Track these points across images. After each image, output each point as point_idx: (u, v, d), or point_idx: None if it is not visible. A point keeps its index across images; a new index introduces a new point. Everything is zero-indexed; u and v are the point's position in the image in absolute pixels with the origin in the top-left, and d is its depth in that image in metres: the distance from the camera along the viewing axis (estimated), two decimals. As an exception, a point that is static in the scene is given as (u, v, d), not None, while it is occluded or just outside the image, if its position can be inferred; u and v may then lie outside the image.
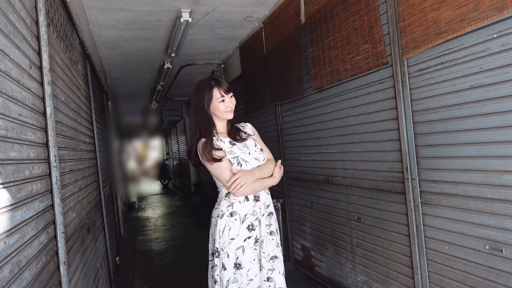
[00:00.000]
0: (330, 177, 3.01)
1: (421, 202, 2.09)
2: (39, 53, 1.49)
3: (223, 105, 1.87)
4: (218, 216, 1.86)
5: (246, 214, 1.85)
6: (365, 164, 2.55)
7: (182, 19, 3.45)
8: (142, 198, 11.33)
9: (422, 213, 2.09)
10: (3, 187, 1.03)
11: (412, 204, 2.14)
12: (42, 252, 1.31)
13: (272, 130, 3.93)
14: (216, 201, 1.95)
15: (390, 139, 2.27)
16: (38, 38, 1.49)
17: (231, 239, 1.82)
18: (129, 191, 10.05)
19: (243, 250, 1.83)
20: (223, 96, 1.86)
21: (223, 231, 1.83)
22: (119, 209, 5.90)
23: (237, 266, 1.82)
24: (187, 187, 10.87)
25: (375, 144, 2.43)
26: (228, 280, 1.81)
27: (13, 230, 1.07)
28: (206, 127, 1.87)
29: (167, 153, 15.84)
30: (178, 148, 12.21)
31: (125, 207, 8.24)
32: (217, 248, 1.84)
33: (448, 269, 1.96)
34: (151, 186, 14.97)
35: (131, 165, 15.47)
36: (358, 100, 2.55)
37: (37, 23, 1.50)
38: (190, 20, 3.48)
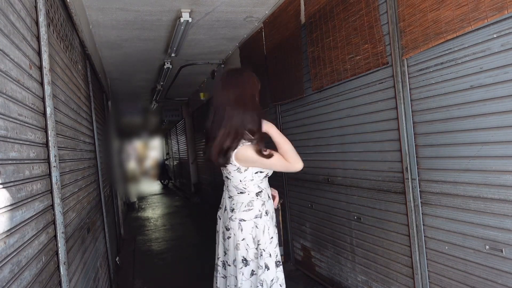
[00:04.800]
0: (330, 177, 3.01)
1: (421, 202, 2.09)
2: (39, 53, 1.48)
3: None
4: (256, 217, 1.79)
5: (272, 211, 1.88)
6: (365, 164, 2.55)
7: (182, 19, 3.45)
8: (142, 198, 11.33)
9: (422, 213, 2.09)
10: (3, 187, 1.03)
11: (412, 204, 2.14)
12: (42, 252, 1.31)
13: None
14: (238, 203, 1.82)
15: (390, 139, 2.27)
16: (38, 38, 1.49)
17: (271, 238, 1.81)
18: (129, 191, 10.05)
19: (278, 247, 1.85)
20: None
21: (263, 231, 1.80)
22: (119, 209, 5.90)
23: (277, 264, 1.82)
24: (187, 187, 10.87)
25: (375, 144, 2.43)
26: (272, 280, 1.80)
27: (13, 230, 1.07)
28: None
29: (167, 153, 15.84)
30: (178, 148, 12.20)
31: (125, 207, 8.24)
32: (262, 249, 1.79)
33: (448, 269, 1.96)
34: (151, 186, 14.97)
35: (131, 165, 15.46)
36: (358, 100, 2.55)
37: (37, 23, 1.50)
38: (190, 20, 3.48)
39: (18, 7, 1.28)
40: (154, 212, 8.40)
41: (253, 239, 1.79)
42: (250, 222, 1.79)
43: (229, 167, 1.78)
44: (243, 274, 1.78)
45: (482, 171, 1.72)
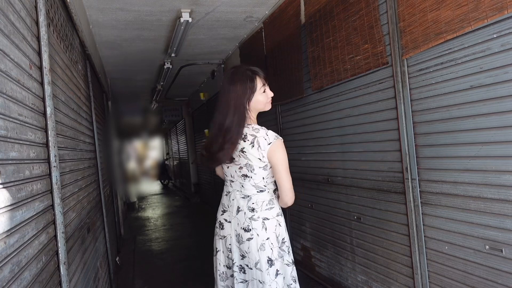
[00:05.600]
0: (330, 177, 3.01)
1: (421, 202, 2.09)
2: (39, 53, 1.48)
3: (264, 96, 1.79)
4: (278, 215, 1.80)
5: None
6: (365, 164, 2.55)
7: (182, 19, 3.45)
8: (142, 198, 11.33)
9: (422, 213, 2.09)
10: (3, 187, 1.03)
11: (412, 204, 2.14)
12: (42, 252, 1.31)
13: (272, 130, 3.92)
14: (259, 202, 1.78)
15: (390, 139, 2.27)
16: (38, 38, 1.49)
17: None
18: (129, 191, 10.05)
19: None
20: (264, 84, 1.78)
21: (285, 229, 1.83)
22: (119, 209, 5.90)
23: (293, 261, 1.85)
24: (187, 187, 10.87)
25: (375, 144, 2.43)
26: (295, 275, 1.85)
27: (13, 230, 1.07)
28: (242, 121, 1.73)
29: (167, 153, 15.84)
30: (178, 148, 12.20)
31: (125, 207, 8.24)
32: (288, 246, 1.81)
33: (448, 269, 1.96)
34: (151, 186, 14.97)
35: (131, 165, 15.47)
36: (358, 100, 2.55)
37: (37, 23, 1.50)
38: (190, 20, 3.48)
39: (18, 7, 1.28)
40: (154, 212, 8.40)
41: (277, 237, 1.77)
42: (273, 220, 1.77)
43: (255, 164, 1.73)
44: (269, 275, 1.73)
45: (482, 171, 1.72)
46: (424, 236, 2.09)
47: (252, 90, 1.74)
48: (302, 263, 3.68)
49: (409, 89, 2.09)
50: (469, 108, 1.75)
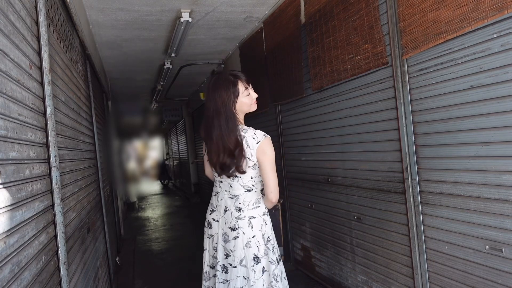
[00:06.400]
0: (330, 177, 3.01)
1: (421, 202, 2.09)
2: (39, 53, 1.48)
3: (249, 99, 1.83)
4: (264, 214, 1.85)
5: None
6: (365, 164, 2.55)
7: (182, 19, 3.45)
8: (142, 198, 11.33)
9: (422, 213, 2.09)
10: (3, 187, 1.03)
11: (412, 204, 2.14)
12: (42, 252, 1.31)
13: (272, 130, 3.93)
14: (246, 202, 1.83)
15: (390, 139, 2.27)
16: (38, 38, 1.49)
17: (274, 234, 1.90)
18: (129, 191, 10.05)
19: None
20: (247, 88, 1.83)
21: (271, 228, 1.87)
22: (119, 209, 5.90)
23: (280, 258, 1.89)
24: (187, 187, 10.87)
25: (375, 144, 2.43)
26: (282, 272, 1.88)
27: (13, 230, 1.07)
28: (235, 126, 1.77)
29: (167, 153, 15.84)
30: (178, 148, 12.20)
31: (125, 207, 8.24)
32: (273, 244, 1.86)
33: (448, 269, 1.96)
34: (151, 186, 14.97)
35: (131, 165, 15.46)
36: (358, 100, 2.55)
37: (37, 23, 1.50)
38: (190, 20, 3.48)
39: (18, 7, 1.28)
40: (154, 212, 8.40)
41: (263, 235, 1.82)
42: (259, 219, 1.82)
43: (244, 164, 1.78)
44: (255, 272, 1.77)
45: (482, 171, 1.72)
46: (424, 236, 2.09)
47: (236, 94, 1.80)
48: (302, 263, 3.68)
49: (409, 89, 2.09)
50: (469, 108, 1.75)
